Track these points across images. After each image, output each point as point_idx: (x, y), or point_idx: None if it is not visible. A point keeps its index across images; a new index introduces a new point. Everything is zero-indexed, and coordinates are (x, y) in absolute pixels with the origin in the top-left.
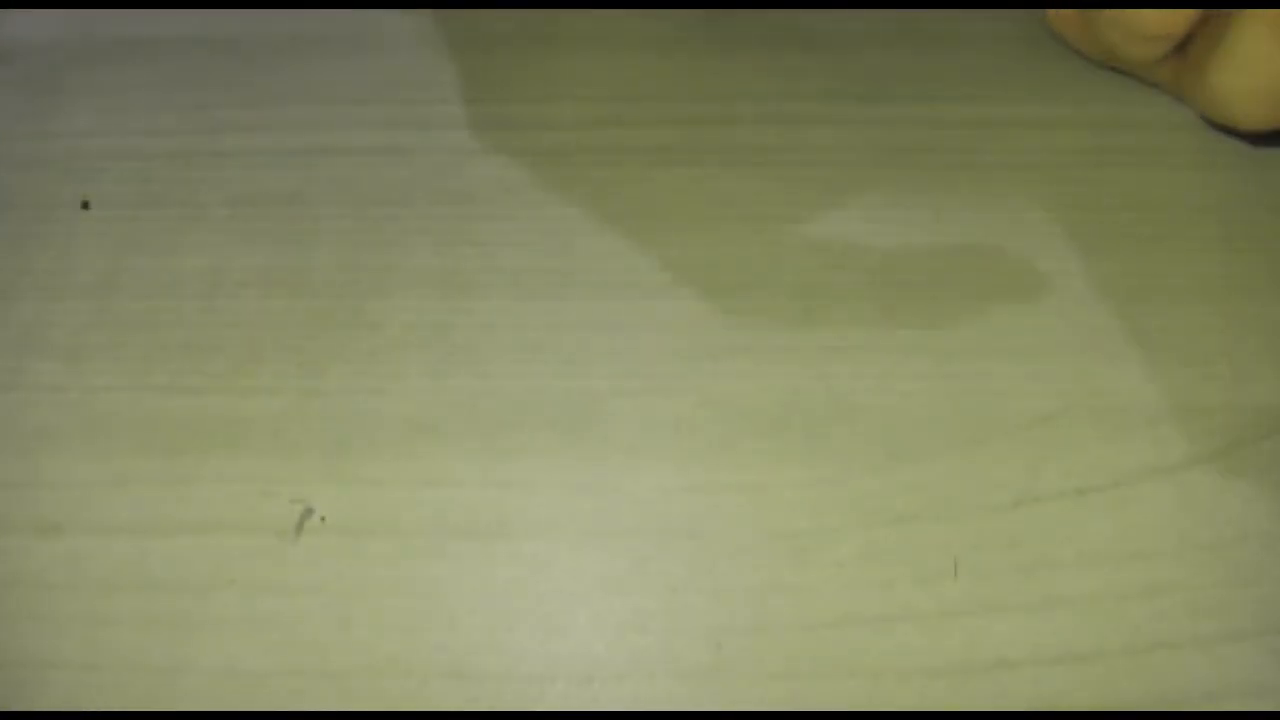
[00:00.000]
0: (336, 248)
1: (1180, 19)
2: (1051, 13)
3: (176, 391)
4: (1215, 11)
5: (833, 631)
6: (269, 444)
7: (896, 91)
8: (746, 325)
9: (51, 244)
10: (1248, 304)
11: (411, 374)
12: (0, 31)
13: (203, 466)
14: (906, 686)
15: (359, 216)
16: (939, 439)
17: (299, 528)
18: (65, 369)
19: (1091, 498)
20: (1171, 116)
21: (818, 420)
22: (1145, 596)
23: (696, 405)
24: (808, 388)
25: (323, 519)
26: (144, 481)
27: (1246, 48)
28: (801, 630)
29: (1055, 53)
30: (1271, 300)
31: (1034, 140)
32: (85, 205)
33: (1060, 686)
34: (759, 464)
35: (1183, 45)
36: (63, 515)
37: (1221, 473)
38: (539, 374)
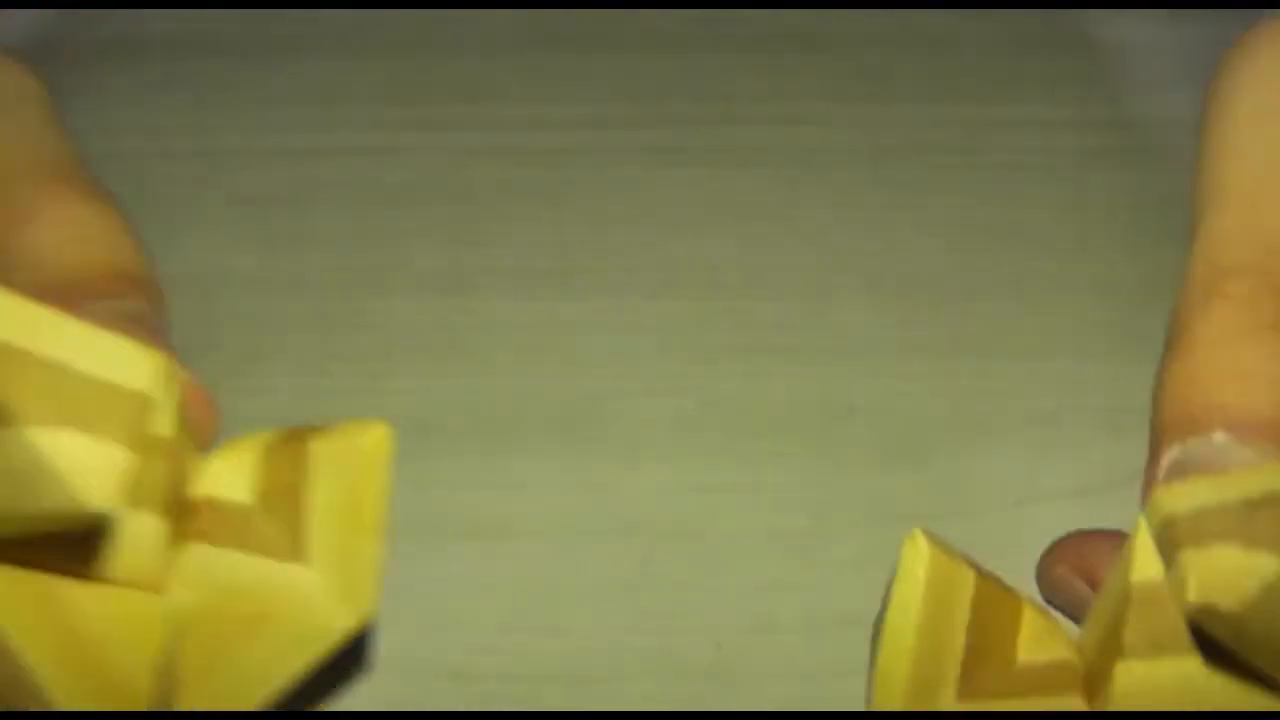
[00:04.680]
0: (336, 248)
1: None
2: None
3: None
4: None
5: (833, 631)
6: None
7: (896, 91)
8: (746, 325)
9: None
10: None
11: (411, 374)
12: None
13: None
14: None
15: (359, 216)
16: (939, 439)
17: None
18: None
19: (1091, 498)
20: (1171, 116)
21: (818, 420)
22: None
23: (696, 405)
24: (808, 388)
25: None
26: None
27: None
28: (801, 630)
29: (1055, 53)
30: None
31: (1034, 140)
32: None
33: None
34: (759, 464)
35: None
36: None
37: None
38: (539, 374)
